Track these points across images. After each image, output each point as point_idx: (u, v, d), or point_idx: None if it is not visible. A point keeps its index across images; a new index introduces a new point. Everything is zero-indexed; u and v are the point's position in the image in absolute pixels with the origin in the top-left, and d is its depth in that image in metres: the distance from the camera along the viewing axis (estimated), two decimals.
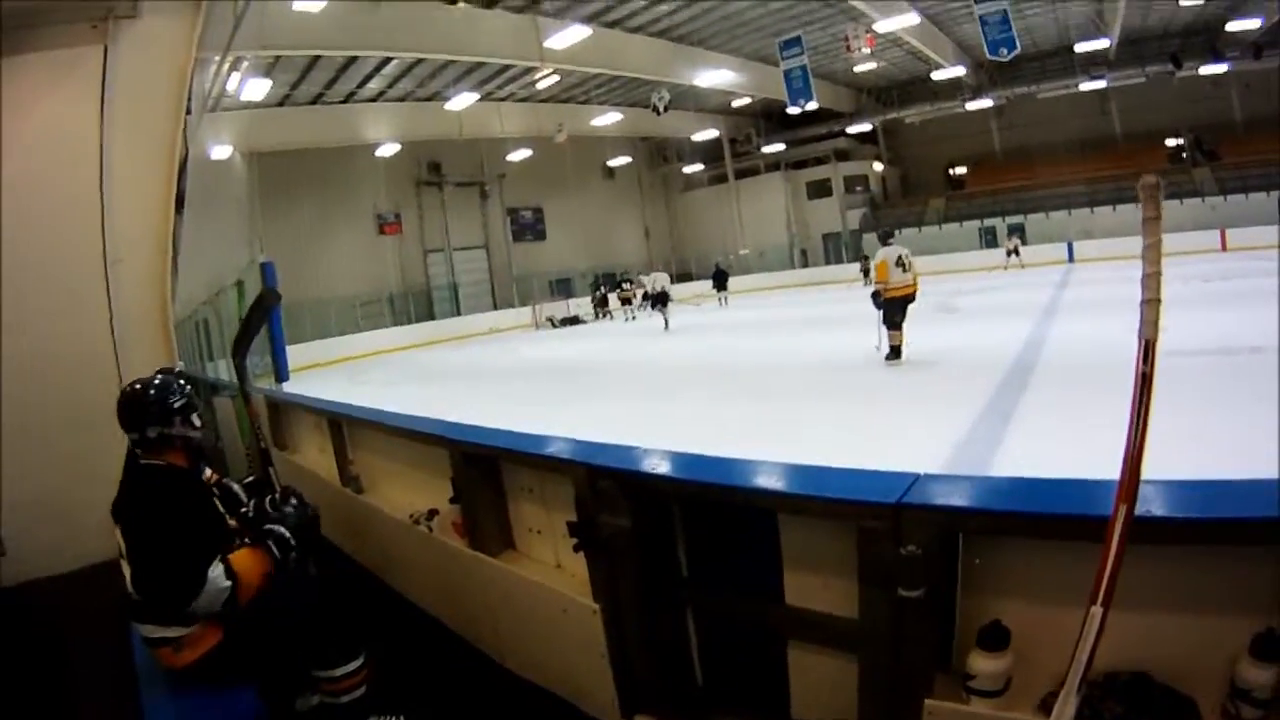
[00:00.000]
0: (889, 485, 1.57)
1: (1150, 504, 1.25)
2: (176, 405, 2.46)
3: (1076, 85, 30.15)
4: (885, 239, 9.73)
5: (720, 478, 1.95)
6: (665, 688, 2.27)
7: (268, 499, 3.02)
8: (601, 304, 28.51)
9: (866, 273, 23.28)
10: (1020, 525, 1.42)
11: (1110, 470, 1.16)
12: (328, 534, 4.72)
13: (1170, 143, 31.42)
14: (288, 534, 2.50)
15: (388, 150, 27.51)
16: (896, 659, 1.59)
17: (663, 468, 2.10)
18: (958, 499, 1.52)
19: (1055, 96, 31.72)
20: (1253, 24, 23.19)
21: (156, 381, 2.51)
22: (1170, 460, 1.47)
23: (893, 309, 9.07)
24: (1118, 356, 7.81)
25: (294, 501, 2.82)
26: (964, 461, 5.06)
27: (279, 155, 25.44)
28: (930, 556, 1.47)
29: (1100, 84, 29.73)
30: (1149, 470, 1.11)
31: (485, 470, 3.00)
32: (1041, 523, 1.39)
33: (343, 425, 4.72)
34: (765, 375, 10.01)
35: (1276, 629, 1.27)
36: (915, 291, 9.18)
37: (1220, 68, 26.81)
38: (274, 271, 5.76)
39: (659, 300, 18.60)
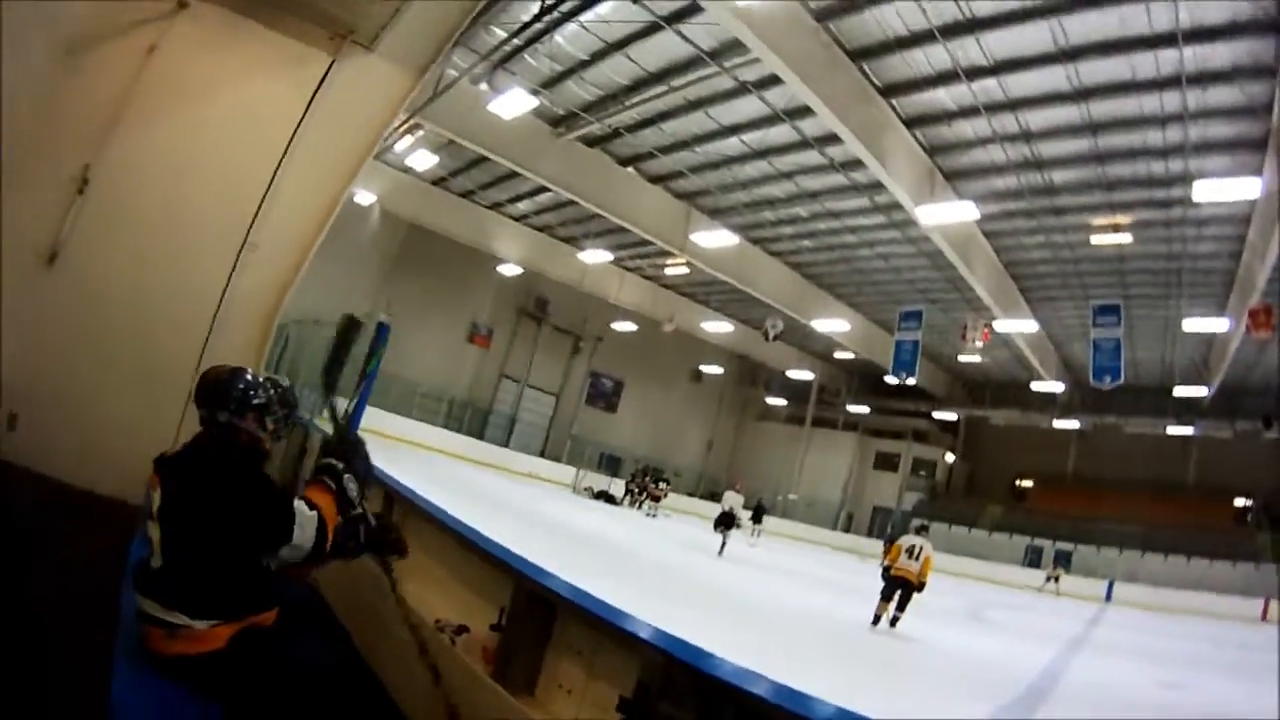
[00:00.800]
0: None
1: None
2: (255, 402, 2.60)
3: (1164, 428, 30.03)
4: (917, 530, 11.03)
5: (801, 709, 1.94)
6: None
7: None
8: (641, 491, 27.42)
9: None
10: None
11: None
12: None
13: (1239, 502, 30.56)
14: (334, 463, 2.64)
15: (509, 270, 28.59)
16: None
17: (748, 682, 2.07)
18: None
19: (1140, 433, 31.52)
20: None
21: (256, 378, 2.66)
22: None
23: (888, 584, 10.25)
24: (1130, 700, 8.57)
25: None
26: None
27: (411, 227, 26.84)
28: None
29: (1188, 430, 29.57)
30: None
31: (540, 613, 2.94)
32: None
33: (395, 503, 4.41)
34: (801, 628, 9.82)
35: None
36: (915, 580, 10.12)
37: None
38: (387, 335, 5.62)
39: (724, 522, 17.23)
